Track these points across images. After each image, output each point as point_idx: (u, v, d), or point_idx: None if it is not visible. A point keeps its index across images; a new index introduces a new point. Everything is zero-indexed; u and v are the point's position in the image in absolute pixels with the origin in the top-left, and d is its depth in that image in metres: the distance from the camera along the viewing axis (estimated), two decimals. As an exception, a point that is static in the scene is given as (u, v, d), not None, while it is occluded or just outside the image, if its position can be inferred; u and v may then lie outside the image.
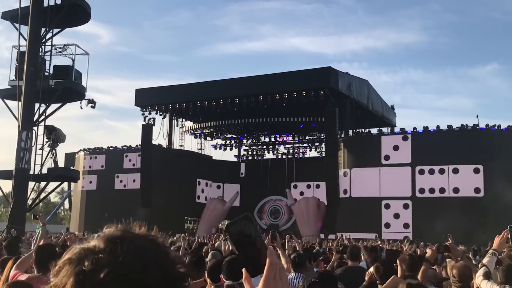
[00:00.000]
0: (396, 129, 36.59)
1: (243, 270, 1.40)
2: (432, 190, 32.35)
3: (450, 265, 6.34)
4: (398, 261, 6.93)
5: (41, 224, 8.29)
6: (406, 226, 32.48)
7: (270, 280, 1.35)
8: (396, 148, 33.83)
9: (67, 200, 48.15)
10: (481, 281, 4.43)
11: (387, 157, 33.95)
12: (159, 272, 1.14)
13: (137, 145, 40.57)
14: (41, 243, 6.56)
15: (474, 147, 31.60)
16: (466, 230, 27.50)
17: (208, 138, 47.10)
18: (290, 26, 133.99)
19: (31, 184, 23.52)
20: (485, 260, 4.62)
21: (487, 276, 4.38)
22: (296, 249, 9.43)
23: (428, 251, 5.50)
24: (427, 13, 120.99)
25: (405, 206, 32.96)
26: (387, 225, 33.06)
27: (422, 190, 32.69)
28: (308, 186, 41.47)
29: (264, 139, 47.85)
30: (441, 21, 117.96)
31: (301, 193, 40.94)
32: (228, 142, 48.15)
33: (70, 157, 42.35)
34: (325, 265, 9.22)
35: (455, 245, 5.35)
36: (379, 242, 16.86)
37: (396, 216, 33.05)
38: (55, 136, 24.26)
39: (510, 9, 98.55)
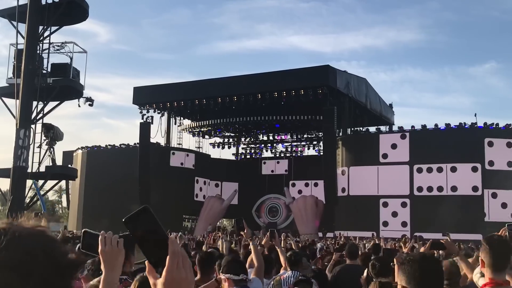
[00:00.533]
0: (394, 128, 36.61)
1: (146, 262, 1.39)
2: (430, 189, 32.39)
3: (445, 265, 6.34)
4: (394, 260, 6.93)
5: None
6: (404, 224, 32.52)
7: (173, 269, 1.35)
8: (394, 146, 33.86)
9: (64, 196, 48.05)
10: (478, 278, 4.42)
11: (385, 156, 33.99)
12: (46, 259, 1.17)
13: (135, 143, 40.53)
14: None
15: (472, 145, 31.68)
16: (464, 228, 27.58)
17: (206, 136, 47.10)
18: (288, 25, 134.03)
19: (29, 182, 23.49)
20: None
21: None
22: (292, 247, 9.43)
23: (421, 248, 5.49)
24: (426, 12, 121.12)
25: (403, 205, 32.99)
26: (385, 224, 33.09)
27: (420, 189, 32.72)
28: (306, 185, 41.49)
29: (262, 137, 47.87)
30: (440, 20, 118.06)
31: (299, 192, 40.96)
32: (226, 140, 48.18)
33: (68, 155, 42.29)
34: (326, 263, 9.21)
35: (451, 242, 5.32)
36: (376, 241, 16.84)
37: (394, 214, 33.08)
38: (53, 134, 24.20)
39: (508, 7, 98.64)
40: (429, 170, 32.53)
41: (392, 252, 7.87)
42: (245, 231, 6.47)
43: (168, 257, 1.36)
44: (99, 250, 1.67)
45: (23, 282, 1.13)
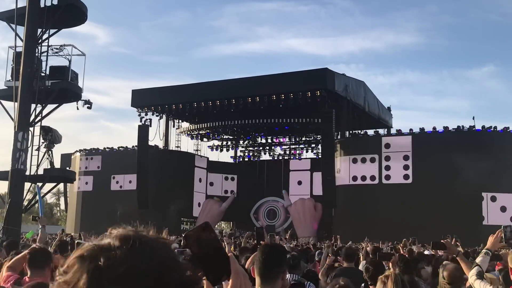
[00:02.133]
0: (393, 131, 36.66)
1: (204, 279, 1.37)
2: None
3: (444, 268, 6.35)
4: (390, 263, 6.95)
5: (40, 226, 8.29)
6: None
7: None
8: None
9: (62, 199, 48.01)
10: (474, 280, 4.43)
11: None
12: (175, 274, 1.12)
13: (133, 146, 40.52)
14: (40, 244, 6.56)
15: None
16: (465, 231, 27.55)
17: (205, 139, 47.10)
18: (287, 28, 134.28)
19: (27, 185, 23.45)
20: (478, 260, 4.64)
21: (480, 275, 4.39)
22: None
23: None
24: (424, 15, 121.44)
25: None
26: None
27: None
28: (305, 188, 41.50)
29: (261, 140, 47.88)
30: (438, 23, 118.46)
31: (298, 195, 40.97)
32: (224, 143, 48.18)
33: (66, 158, 42.29)
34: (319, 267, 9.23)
35: (451, 243, 5.35)
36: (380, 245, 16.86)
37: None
38: (51, 137, 24.19)
39: (507, 11, 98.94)
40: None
41: (387, 256, 7.89)
42: (265, 242, 6.45)
43: (232, 275, 1.36)
44: (236, 270, 1.64)
45: None
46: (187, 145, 69.41)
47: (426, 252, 12.26)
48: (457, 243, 13.61)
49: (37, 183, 22.35)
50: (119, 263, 1.08)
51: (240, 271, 1.36)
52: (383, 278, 4.25)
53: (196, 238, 1.38)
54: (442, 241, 5.19)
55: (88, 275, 1.07)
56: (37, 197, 17.77)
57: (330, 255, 9.28)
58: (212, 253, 1.37)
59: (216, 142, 48.12)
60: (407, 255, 9.07)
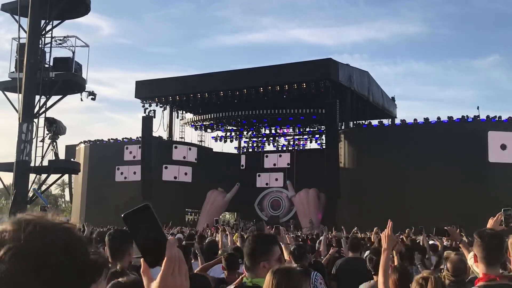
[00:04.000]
0: (397, 121, 36.59)
1: (141, 260, 1.37)
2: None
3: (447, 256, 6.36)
4: (394, 252, 6.96)
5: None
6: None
7: (168, 275, 1.32)
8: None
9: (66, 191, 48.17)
10: (473, 263, 4.43)
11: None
12: (66, 255, 1.15)
13: (137, 137, 40.58)
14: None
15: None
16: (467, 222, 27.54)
17: (209, 130, 47.11)
18: (291, 18, 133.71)
19: (32, 177, 23.55)
20: None
21: None
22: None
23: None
24: (429, 4, 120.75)
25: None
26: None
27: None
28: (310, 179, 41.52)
29: (265, 131, 47.85)
30: (443, 12, 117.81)
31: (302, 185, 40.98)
32: (228, 134, 48.17)
33: (71, 149, 42.36)
34: (322, 257, 9.24)
35: (455, 230, 5.33)
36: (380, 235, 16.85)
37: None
38: (55, 128, 24.26)
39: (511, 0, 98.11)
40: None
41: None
42: (279, 237, 6.50)
43: (164, 261, 1.33)
44: (169, 255, 1.64)
45: (36, 274, 1.12)
46: (191, 136, 69.48)
47: (430, 242, 12.25)
48: (461, 233, 13.59)
49: (34, 187, 22.41)
50: (2, 244, 1.13)
51: (175, 256, 1.33)
52: (421, 280, 4.20)
53: (135, 219, 1.38)
54: (445, 227, 5.18)
55: None
56: (37, 195, 17.84)
57: (334, 245, 9.31)
58: (151, 235, 1.36)
59: (220, 133, 48.17)
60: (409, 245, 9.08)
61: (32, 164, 22.43)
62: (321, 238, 13.60)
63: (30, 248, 1.13)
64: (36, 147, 22.88)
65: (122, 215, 1.38)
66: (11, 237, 1.14)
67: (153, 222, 1.38)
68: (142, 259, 1.38)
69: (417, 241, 11.92)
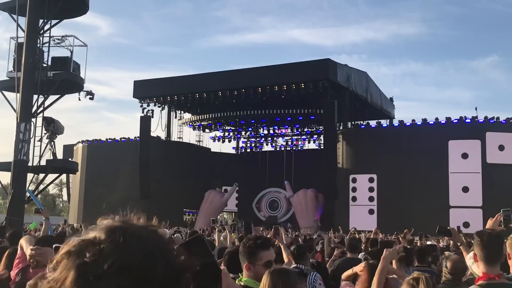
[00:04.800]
0: (395, 122, 36.62)
1: None
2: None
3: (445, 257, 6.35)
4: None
5: (44, 218, 8.31)
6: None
7: None
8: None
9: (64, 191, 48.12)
10: (472, 263, 4.42)
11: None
12: (163, 262, 1.09)
13: (135, 137, 40.54)
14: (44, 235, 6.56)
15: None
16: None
17: (207, 130, 47.10)
18: (290, 18, 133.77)
19: (29, 176, 23.50)
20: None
21: None
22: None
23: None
24: (428, 5, 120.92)
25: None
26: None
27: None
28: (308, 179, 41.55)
29: (263, 131, 47.86)
30: (442, 13, 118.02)
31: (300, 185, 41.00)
32: (226, 134, 48.17)
33: (69, 149, 42.32)
34: (327, 259, 9.23)
35: (457, 231, 5.32)
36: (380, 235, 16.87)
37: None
38: (53, 127, 24.17)
39: (510, 1, 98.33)
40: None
41: (388, 244, 7.89)
42: (278, 238, 6.50)
43: None
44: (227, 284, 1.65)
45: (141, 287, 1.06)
46: (189, 136, 69.47)
47: (428, 243, 12.27)
48: (461, 234, 13.60)
49: (28, 188, 22.35)
50: (104, 257, 1.05)
51: (231, 285, 1.33)
52: (412, 281, 4.19)
53: (189, 251, 1.37)
54: (448, 227, 5.16)
55: (74, 271, 1.05)
56: (32, 198, 17.79)
57: (334, 245, 9.29)
58: (204, 267, 1.35)
59: (218, 133, 48.16)
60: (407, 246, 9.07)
61: (30, 164, 22.38)
62: (314, 236, 13.61)
63: (133, 260, 1.06)
64: (34, 146, 22.82)
65: (178, 246, 1.33)
66: (111, 249, 1.06)
67: (206, 253, 1.36)
68: None
69: (415, 242, 11.94)
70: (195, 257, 1.33)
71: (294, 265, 6.34)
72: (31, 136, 22.34)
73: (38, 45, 22.99)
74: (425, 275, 4.21)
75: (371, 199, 33.98)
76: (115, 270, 1.04)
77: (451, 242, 8.55)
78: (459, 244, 5.30)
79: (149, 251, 1.09)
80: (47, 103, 23.36)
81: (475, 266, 4.18)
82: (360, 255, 8.25)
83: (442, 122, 33.15)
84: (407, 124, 34.23)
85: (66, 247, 1.11)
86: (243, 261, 3.61)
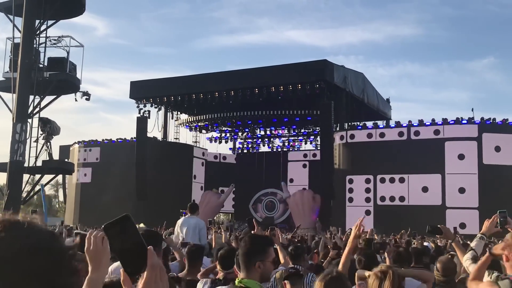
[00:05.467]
0: (392, 123, 36.63)
1: (121, 270, 1.39)
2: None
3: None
4: (386, 254, 6.95)
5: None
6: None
7: (151, 282, 1.35)
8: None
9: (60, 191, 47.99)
10: (469, 264, 4.42)
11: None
12: (45, 255, 1.17)
13: (132, 138, 40.48)
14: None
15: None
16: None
17: (203, 131, 47.06)
18: (287, 19, 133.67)
19: (25, 177, 23.46)
20: (473, 244, 4.63)
21: (475, 260, 4.38)
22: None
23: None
24: (424, 6, 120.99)
25: (402, 199, 33.09)
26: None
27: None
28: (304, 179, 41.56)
29: (260, 132, 47.84)
30: (438, 14, 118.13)
31: (296, 186, 41.01)
32: (223, 135, 48.13)
33: (65, 150, 42.22)
34: (322, 260, 9.22)
35: (448, 228, 5.32)
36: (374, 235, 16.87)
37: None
38: (49, 128, 24.18)
39: (507, 2, 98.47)
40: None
41: (382, 246, 7.89)
42: (256, 231, 6.46)
43: (147, 269, 1.36)
44: (85, 249, 1.68)
45: (20, 278, 1.11)
46: (186, 137, 69.38)
47: (425, 244, 12.28)
48: (456, 233, 13.60)
49: (41, 183, 22.29)
50: None
51: (156, 264, 1.37)
52: (380, 273, 4.18)
53: (116, 229, 1.39)
54: (438, 226, 5.17)
55: None
56: (42, 198, 17.74)
57: (330, 246, 9.28)
58: (131, 245, 1.38)
59: (215, 134, 48.13)
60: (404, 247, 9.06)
61: (26, 164, 22.35)
62: (307, 236, 13.62)
63: (11, 253, 1.13)
64: (30, 147, 22.81)
65: (103, 226, 1.38)
66: None
67: (133, 232, 1.39)
68: (122, 270, 1.39)
69: (413, 243, 11.93)
70: (122, 235, 1.38)
71: (291, 266, 6.34)
72: (27, 137, 22.31)
73: (35, 45, 22.97)
74: (393, 269, 4.21)
75: (367, 200, 34.00)
76: None
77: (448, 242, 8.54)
78: (451, 241, 5.30)
79: (28, 244, 1.16)
80: (43, 103, 23.36)
81: (472, 268, 4.18)
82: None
83: (438, 123, 33.18)
84: (403, 125, 34.25)
85: None
86: (252, 260, 3.52)
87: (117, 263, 6.37)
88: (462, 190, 31.57)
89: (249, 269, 3.52)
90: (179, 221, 10.01)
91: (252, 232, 6.44)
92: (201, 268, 6.08)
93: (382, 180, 33.77)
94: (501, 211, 4.68)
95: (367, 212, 33.68)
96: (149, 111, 40.43)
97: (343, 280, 3.83)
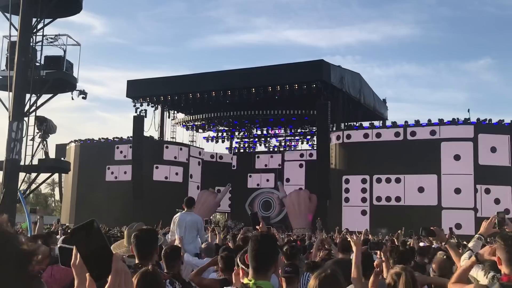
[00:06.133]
0: (388, 123, 36.71)
1: (87, 275, 1.40)
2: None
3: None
4: (381, 253, 6.95)
5: (38, 217, 8.33)
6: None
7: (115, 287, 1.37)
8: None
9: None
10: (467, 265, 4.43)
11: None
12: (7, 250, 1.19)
13: (128, 137, 40.44)
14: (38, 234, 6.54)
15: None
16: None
17: (200, 130, 47.05)
18: (284, 19, 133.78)
19: (21, 175, 23.40)
20: (470, 244, 4.64)
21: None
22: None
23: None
24: (422, 7, 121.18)
25: (398, 199, 33.14)
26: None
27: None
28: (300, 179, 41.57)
29: (256, 131, 47.86)
30: (435, 15, 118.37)
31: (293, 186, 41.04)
32: (220, 134, 48.12)
33: (61, 148, 42.09)
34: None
35: (441, 229, 5.33)
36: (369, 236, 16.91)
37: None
38: (46, 127, 24.08)
39: (504, 3, 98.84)
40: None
41: (378, 245, 7.89)
42: (261, 225, 6.42)
43: (111, 274, 1.37)
44: (71, 263, 1.69)
45: None
46: (182, 136, 69.33)
47: (421, 244, 12.31)
48: (452, 234, 13.65)
49: (20, 190, 22.23)
50: None
51: (121, 269, 1.38)
52: (394, 275, 4.19)
53: (82, 234, 1.41)
54: (431, 228, 5.19)
55: None
56: (22, 203, 17.72)
57: (321, 247, 9.29)
58: (97, 250, 1.40)
59: (212, 134, 48.13)
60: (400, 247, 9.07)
61: (22, 163, 22.29)
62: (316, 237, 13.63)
63: None
64: (26, 145, 22.73)
65: (69, 231, 1.41)
66: None
67: (99, 237, 1.41)
68: (87, 274, 1.40)
69: (408, 243, 11.96)
70: (88, 240, 1.40)
71: (288, 263, 6.34)
72: (23, 135, 22.26)
73: (31, 44, 22.91)
74: (408, 270, 4.23)
75: (363, 200, 34.06)
76: None
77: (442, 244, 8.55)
78: (444, 243, 5.32)
79: None
80: (39, 102, 23.28)
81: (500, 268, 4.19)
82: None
83: (434, 123, 33.25)
84: (400, 125, 34.31)
85: None
86: (271, 262, 3.46)
87: None
88: (458, 191, 31.64)
89: (266, 270, 3.45)
90: (175, 218, 9.92)
91: (257, 227, 6.40)
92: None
93: (378, 180, 33.84)
94: (500, 212, 4.70)
95: (363, 213, 33.77)
96: (145, 110, 40.47)
97: (337, 278, 3.84)
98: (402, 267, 4.30)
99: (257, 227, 6.45)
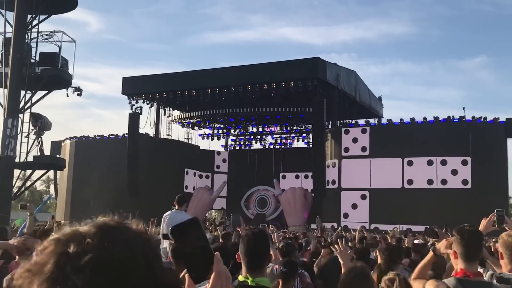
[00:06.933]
0: (383, 120, 36.77)
1: (186, 276, 1.36)
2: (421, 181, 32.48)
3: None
4: (377, 251, 6.98)
5: (28, 214, 8.27)
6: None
7: None
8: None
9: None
10: None
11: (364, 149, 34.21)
12: (144, 270, 1.07)
13: (124, 134, 40.37)
14: (28, 231, 6.52)
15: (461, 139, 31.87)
16: (453, 222, 27.68)
17: (196, 128, 47.03)
18: (280, 16, 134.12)
19: (16, 172, 23.37)
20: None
21: None
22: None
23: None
24: (418, 5, 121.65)
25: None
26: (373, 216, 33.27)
27: (410, 181, 32.81)
28: (297, 177, 41.57)
29: (252, 129, 47.86)
30: (432, 13, 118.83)
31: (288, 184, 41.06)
32: (215, 131, 48.11)
33: (56, 145, 42.03)
34: (314, 259, 9.25)
35: (444, 232, 5.36)
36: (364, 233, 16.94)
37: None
38: (41, 123, 24.06)
39: (500, 2, 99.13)
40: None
41: (373, 243, 7.93)
42: (241, 228, 6.48)
43: (212, 276, 1.34)
44: (218, 270, 1.64)
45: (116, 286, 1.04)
46: (178, 133, 69.30)
47: (416, 241, 12.33)
48: (448, 233, 13.65)
49: (51, 194, 22.06)
50: (86, 252, 1.04)
51: (223, 272, 1.34)
52: (387, 281, 4.23)
53: (183, 233, 1.35)
54: (435, 229, 5.21)
55: (54, 260, 1.04)
56: (46, 188, 17.60)
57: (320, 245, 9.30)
58: (197, 250, 1.34)
59: (207, 131, 48.07)
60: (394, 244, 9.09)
61: (17, 160, 22.26)
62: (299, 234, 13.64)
63: (113, 258, 1.05)
64: (21, 142, 22.72)
65: (170, 228, 1.34)
66: (95, 244, 1.05)
67: (201, 237, 1.35)
68: (187, 275, 1.36)
69: (403, 241, 11.99)
70: (189, 239, 1.34)
71: (285, 260, 6.35)
72: (18, 132, 22.23)
73: (26, 40, 22.87)
74: (402, 276, 4.25)
75: (358, 197, 34.09)
76: (92, 266, 1.03)
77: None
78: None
79: (133, 254, 1.07)
80: (34, 99, 23.27)
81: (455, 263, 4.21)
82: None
83: (430, 121, 33.32)
84: (395, 123, 34.38)
85: (57, 234, 1.11)
86: (266, 259, 3.59)
87: None
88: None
89: (261, 268, 3.53)
90: (165, 217, 9.96)
91: (238, 229, 6.46)
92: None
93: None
94: (498, 210, 4.72)
95: (363, 197, 33.71)
96: (141, 107, 40.37)
97: (367, 275, 3.90)
98: (395, 273, 4.33)
99: (238, 228, 6.50)
